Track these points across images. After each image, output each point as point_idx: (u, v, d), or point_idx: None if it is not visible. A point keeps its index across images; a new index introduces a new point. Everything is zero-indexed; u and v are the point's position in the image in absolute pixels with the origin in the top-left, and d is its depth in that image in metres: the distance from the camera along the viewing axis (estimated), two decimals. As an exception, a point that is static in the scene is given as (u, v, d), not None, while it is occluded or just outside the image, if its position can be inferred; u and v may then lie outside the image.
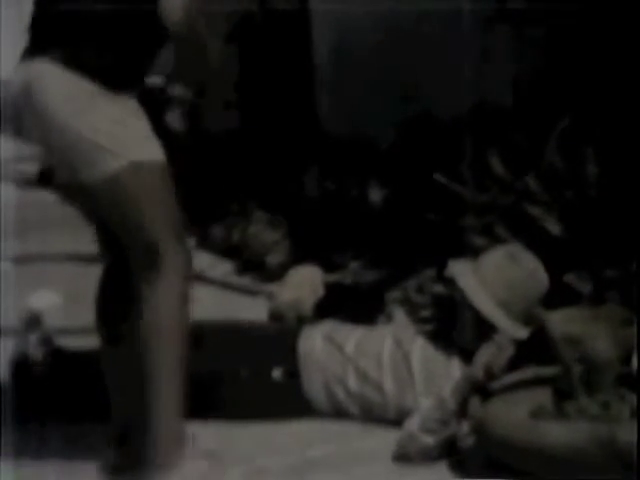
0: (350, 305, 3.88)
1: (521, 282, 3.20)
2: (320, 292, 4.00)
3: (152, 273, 2.82)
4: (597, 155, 3.62)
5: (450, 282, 3.33)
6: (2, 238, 4.78)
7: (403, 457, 3.02)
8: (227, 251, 4.83)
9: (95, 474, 2.94)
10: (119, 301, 2.97)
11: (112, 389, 3.02)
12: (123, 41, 2.79)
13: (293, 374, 3.28)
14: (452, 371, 3.16)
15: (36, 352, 3.41)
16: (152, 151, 2.82)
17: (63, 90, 2.78)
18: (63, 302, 3.98)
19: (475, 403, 2.95)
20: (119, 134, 2.79)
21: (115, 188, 2.81)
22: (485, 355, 3.03)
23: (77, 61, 2.79)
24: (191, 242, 4.99)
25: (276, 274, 4.39)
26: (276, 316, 3.97)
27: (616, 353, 2.97)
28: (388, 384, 3.21)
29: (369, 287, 3.98)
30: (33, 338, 3.47)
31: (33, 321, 3.56)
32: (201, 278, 4.59)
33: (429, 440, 2.99)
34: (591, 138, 3.66)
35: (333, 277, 4.15)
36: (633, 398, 2.85)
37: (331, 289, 4.02)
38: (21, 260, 4.72)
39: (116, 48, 2.79)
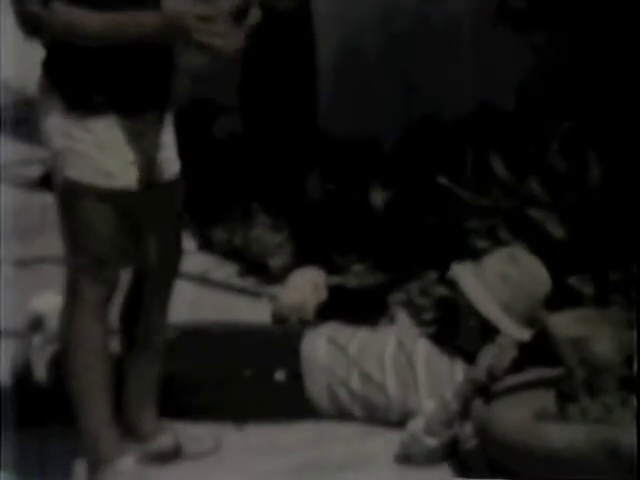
0: (353, 308, 3.88)
1: (524, 284, 3.20)
2: (323, 295, 4.00)
3: (70, 300, 2.85)
4: (599, 157, 3.62)
5: (453, 284, 3.33)
6: (2, 241, 4.78)
7: (406, 459, 3.02)
8: (230, 253, 4.82)
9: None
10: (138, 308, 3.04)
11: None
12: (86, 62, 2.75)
13: (296, 376, 3.28)
14: (455, 373, 3.16)
15: (38, 355, 3.41)
16: (85, 173, 2.76)
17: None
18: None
19: (478, 405, 2.95)
20: (63, 148, 2.76)
21: (58, 202, 2.82)
22: (488, 357, 3.03)
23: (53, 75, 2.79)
24: (192, 244, 4.99)
25: (279, 277, 4.39)
26: (279, 318, 3.97)
27: (619, 356, 2.97)
28: (391, 386, 3.21)
29: (372, 290, 3.97)
30: (36, 341, 3.47)
31: (35, 324, 3.56)
32: (204, 280, 4.60)
33: (432, 442, 2.99)
34: (593, 140, 3.66)
35: (336, 280, 4.14)
36: (635, 401, 2.85)
37: (334, 292, 4.02)
38: (22, 263, 4.72)
39: (81, 68, 2.75)
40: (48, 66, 2.79)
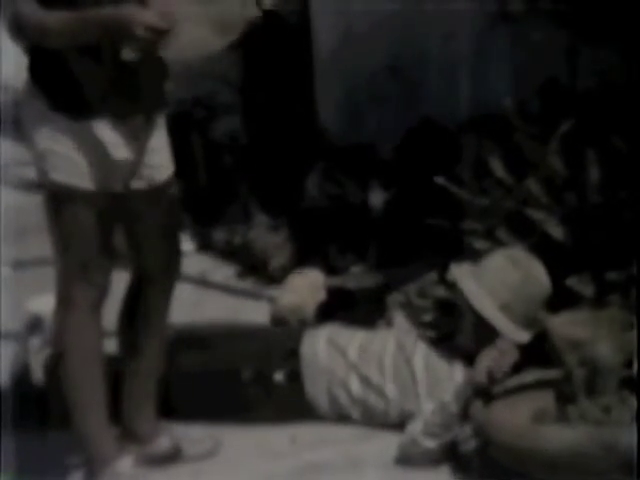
0: (352, 309, 3.88)
1: (523, 285, 3.19)
2: (321, 296, 3.99)
3: (61, 303, 2.84)
4: (599, 158, 3.61)
5: (452, 286, 3.32)
6: (1, 242, 4.77)
7: (405, 461, 3.02)
8: (229, 255, 4.82)
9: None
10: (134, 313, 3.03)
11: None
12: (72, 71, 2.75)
13: (295, 377, 3.28)
14: (454, 375, 3.16)
15: (36, 357, 3.40)
16: (69, 176, 2.75)
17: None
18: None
19: (477, 407, 2.95)
20: (47, 152, 2.76)
21: (45, 205, 2.81)
22: (487, 359, 3.02)
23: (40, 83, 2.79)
24: (191, 245, 4.98)
25: (278, 278, 4.38)
26: (278, 320, 3.97)
27: (618, 357, 2.96)
28: (390, 389, 3.21)
29: (371, 291, 3.97)
30: (33, 342, 3.46)
31: (33, 325, 3.55)
32: (203, 281, 4.59)
33: (431, 444, 2.99)
34: (593, 140, 3.65)
35: (335, 281, 4.14)
36: (635, 402, 2.84)
37: (333, 293, 4.01)
38: (20, 264, 4.71)
39: (65, 76, 2.75)
40: (32, 70, 2.78)
